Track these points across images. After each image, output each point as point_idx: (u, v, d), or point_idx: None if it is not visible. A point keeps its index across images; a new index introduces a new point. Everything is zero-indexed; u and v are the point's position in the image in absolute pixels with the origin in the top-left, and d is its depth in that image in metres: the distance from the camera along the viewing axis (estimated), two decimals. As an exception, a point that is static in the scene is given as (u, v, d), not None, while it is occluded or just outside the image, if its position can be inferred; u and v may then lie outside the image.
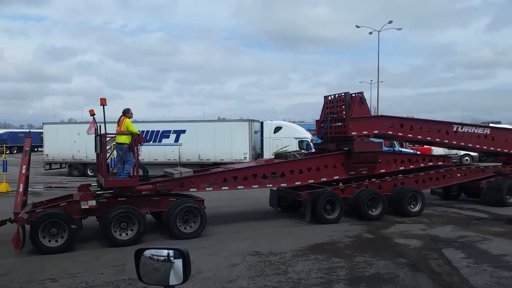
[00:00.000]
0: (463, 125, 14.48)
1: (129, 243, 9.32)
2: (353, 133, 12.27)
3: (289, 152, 13.44)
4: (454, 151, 23.50)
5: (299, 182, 12.07)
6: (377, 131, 12.78)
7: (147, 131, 25.20)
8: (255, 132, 25.08)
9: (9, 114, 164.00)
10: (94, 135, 11.07)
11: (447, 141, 13.92)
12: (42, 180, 23.58)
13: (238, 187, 11.41)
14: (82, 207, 9.40)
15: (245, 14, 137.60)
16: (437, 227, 10.93)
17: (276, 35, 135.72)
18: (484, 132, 14.42)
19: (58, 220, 9.04)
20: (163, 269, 2.17)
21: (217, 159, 23.79)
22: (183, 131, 24.86)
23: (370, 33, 40.44)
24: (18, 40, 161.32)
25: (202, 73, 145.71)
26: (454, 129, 13.95)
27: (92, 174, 25.80)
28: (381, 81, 43.09)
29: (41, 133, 34.08)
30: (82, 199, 9.48)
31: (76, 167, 26.24)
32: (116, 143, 10.35)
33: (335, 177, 12.42)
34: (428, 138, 13.71)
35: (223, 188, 11.22)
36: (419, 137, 13.49)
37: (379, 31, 39.75)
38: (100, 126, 10.81)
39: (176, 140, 24.60)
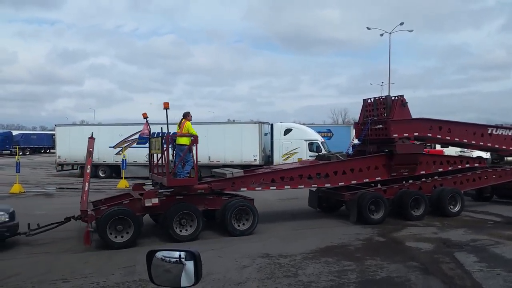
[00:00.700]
0: (497, 127, 14.78)
1: (188, 239, 9.81)
2: (394, 135, 12.49)
3: (332, 154, 13.81)
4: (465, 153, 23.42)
5: (343, 183, 12.39)
6: (417, 133, 13.02)
7: (158, 133, 25.37)
8: (265, 134, 25.07)
9: (22, 116, 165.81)
10: (147, 137, 12.12)
11: (482, 143, 14.13)
12: (54, 182, 23.86)
13: (285, 187, 11.88)
14: (146, 204, 9.87)
15: (255, 17, 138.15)
16: (449, 230, 10.81)
17: (287, 37, 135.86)
18: None
19: (124, 217, 9.50)
20: (175, 271, 2.18)
21: (227, 161, 23.81)
22: (193, 133, 24.95)
23: (381, 35, 40.24)
24: (32, 43, 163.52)
25: (212, 75, 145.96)
26: (489, 131, 14.21)
27: (103, 175, 26.04)
28: (393, 83, 42.81)
29: (53, 135, 34.55)
30: (146, 197, 9.98)
31: (88, 169, 26.46)
32: (177, 144, 10.80)
33: (377, 178, 12.72)
34: (464, 140, 13.93)
35: (271, 188, 11.70)
36: (456, 139, 13.81)
37: (390, 33, 39.53)
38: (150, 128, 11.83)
39: (186, 142, 24.70)
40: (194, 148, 10.72)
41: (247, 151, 24.04)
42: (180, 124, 11.17)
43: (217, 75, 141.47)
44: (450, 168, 13.73)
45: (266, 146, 25.06)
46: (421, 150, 13.48)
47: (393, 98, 13.00)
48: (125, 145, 25.05)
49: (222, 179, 11.35)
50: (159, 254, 2.22)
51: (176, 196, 10.38)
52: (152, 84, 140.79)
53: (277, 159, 24.46)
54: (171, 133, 11.13)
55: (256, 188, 11.47)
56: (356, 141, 15.42)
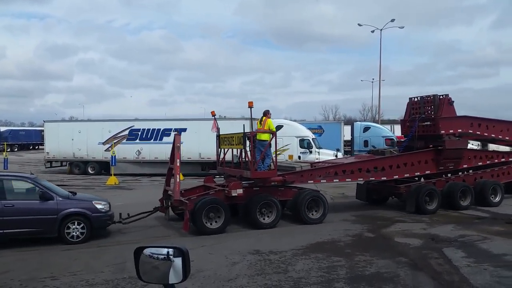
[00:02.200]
0: None
1: (269, 226, 10.78)
2: (442, 131, 13.36)
3: (386, 149, 15.12)
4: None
5: (397, 176, 13.26)
6: (460, 130, 13.83)
7: (148, 129, 25.22)
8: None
9: (10, 112, 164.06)
10: (216, 133, 13.52)
11: None
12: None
13: (347, 179, 12.86)
14: (233, 194, 10.83)
15: (248, 12, 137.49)
16: (438, 226, 10.92)
17: (280, 33, 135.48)
18: None
19: (216, 205, 10.46)
20: (163, 268, 2.16)
21: (218, 158, 23.78)
22: (184, 130, 24.74)
23: (373, 31, 40.35)
24: (20, 38, 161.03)
25: (204, 71, 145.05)
26: None
27: (92, 172, 25.85)
28: (383, 80, 42.98)
29: (42, 131, 34.17)
30: (232, 188, 10.91)
31: (77, 165, 26.24)
32: (258, 140, 11.54)
33: (426, 172, 13.58)
34: (499, 137, 14.91)
35: (334, 180, 12.64)
36: (492, 135, 14.72)
37: (381, 30, 39.68)
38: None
39: (177, 138, 24.60)
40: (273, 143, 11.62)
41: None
42: (261, 121, 11.99)
43: (209, 70, 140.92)
44: (488, 162, 14.74)
45: (257, 143, 25.07)
46: (466, 146, 14.42)
47: (439, 97, 13.78)
48: (115, 141, 24.85)
49: (294, 172, 12.18)
50: (147, 251, 2.21)
51: (253, 187, 11.33)
52: (142, 80, 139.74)
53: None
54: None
55: (321, 181, 12.37)
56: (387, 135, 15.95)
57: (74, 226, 9.37)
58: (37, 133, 56.02)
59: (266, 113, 12.04)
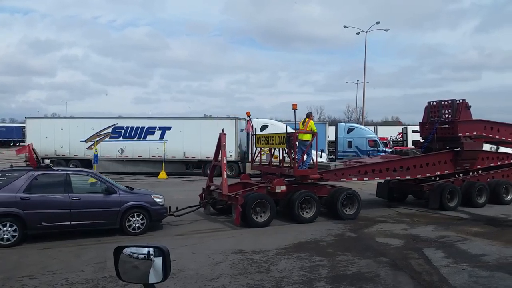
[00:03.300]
0: None
1: (309, 221, 11.42)
2: (459, 134, 14.29)
3: (409, 150, 16.01)
4: None
5: (419, 175, 14.09)
6: (475, 133, 14.79)
7: (132, 127, 24.99)
8: (241, 130, 25.04)
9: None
10: (250, 133, 14.28)
11: None
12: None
13: (375, 178, 13.79)
14: (277, 190, 11.61)
15: (235, 11, 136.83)
16: (419, 227, 11.08)
17: (266, 33, 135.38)
18: None
19: (263, 200, 11.16)
20: (143, 267, 2.15)
21: (203, 157, 23.70)
22: (169, 128, 24.69)
23: (358, 33, 40.68)
24: (2, 32, 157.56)
25: (190, 69, 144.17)
26: None
27: (75, 170, 25.48)
28: (368, 82, 43.42)
29: (24, 127, 33.53)
30: (277, 184, 11.69)
31: (59, 163, 25.79)
32: (300, 140, 12.35)
33: (445, 172, 14.45)
34: (509, 139, 15.92)
35: (364, 179, 13.44)
36: (502, 138, 15.76)
37: (366, 32, 40.01)
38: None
39: (161, 137, 24.42)
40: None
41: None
42: (304, 123, 12.83)
43: (194, 69, 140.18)
44: (499, 163, 15.71)
45: (242, 142, 25.05)
46: (481, 147, 15.26)
47: (457, 101, 14.66)
48: (97, 139, 24.57)
49: (329, 171, 12.78)
50: (127, 251, 2.19)
51: (292, 184, 12.08)
52: (127, 77, 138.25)
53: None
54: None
55: (353, 179, 13.11)
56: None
57: (134, 218, 9.96)
58: (18, 130, 55.00)
59: (309, 115, 13.07)
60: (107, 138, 24.97)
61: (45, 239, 9.26)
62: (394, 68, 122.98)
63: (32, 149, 9.96)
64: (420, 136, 16.45)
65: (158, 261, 2.13)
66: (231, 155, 24.01)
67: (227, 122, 24.71)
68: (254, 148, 14.39)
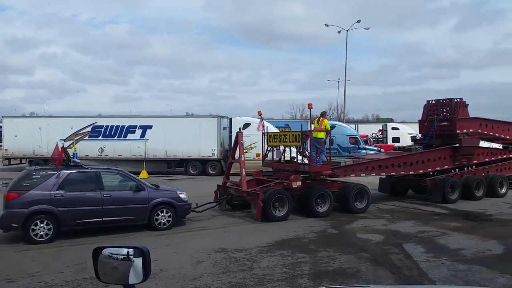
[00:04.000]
0: None
1: (324, 215, 11.83)
2: (458, 131, 14.95)
3: (411, 146, 16.56)
4: None
5: (422, 170, 14.73)
6: (472, 130, 15.45)
7: (112, 126, 24.66)
8: (224, 129, 24.98)
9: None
10: (262, 131, 14.63)
11: None
12: (1, 176, 22.65)
13: (381, 173, 14.38)
14: (293, 186, 12.02)
15: (217, 8, 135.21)
16: (398, 222, 11.26)
17: (249, 31, 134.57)
18: None
19: (281, 196, 11.61)
20: (122, 268, 2.13)
21: (185, 156, 23.58)
22: (150, 127, 24.44)
23: (339, 32, 40.98)
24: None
25: (171, 67, 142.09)
26: None
27: (54, 170, 25.04)
28: (348, 80, 43.85)
29: (0, 127, 32.75)
30: (293, 180, 12.12)
31: (37, 163, 25.23)
32: (314, 137, 12.92)
33: (445, 167, 15.11)
34: (501, 136, 16.62)
35: (371, 174, 13.89)
36: (496, 134, 16.46)
37: (347, 30, 40.37)
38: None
39: (142, 135, 24.15)
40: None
41: (205, 145, 23.86)
42: (318, 121, 13.45)
43: (176, 67, 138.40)
44: (492, 158, 16.47)
45: (224, 140, 24.98)
46: (478, 144, 15.97)
47: (455, 100, 15.31)
48: (77, 138, 24.16)
49: (340, 167, 13.36)
50: (106, 251, 2.16)
51: (306, 180, 12.44)
52: (107, 75, 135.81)
53: (236, 153, 24.42)
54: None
55: (361, 175, 13.60)
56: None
57: (162, 214, 10.30)
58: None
59: (324, 114, 13.74)
60: (87, 137, 24.58)
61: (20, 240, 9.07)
62: (374, 67, 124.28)
63: (63, 148, 10.41)
64: (420, 133, 17.22)
65: (138, 261, 2.11)
66: (213, 154, 23.97)
67: (209, 121, 24.64)
68: (266, 146, 14.72)
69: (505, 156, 17.02)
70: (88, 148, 24.02)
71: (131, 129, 24.44)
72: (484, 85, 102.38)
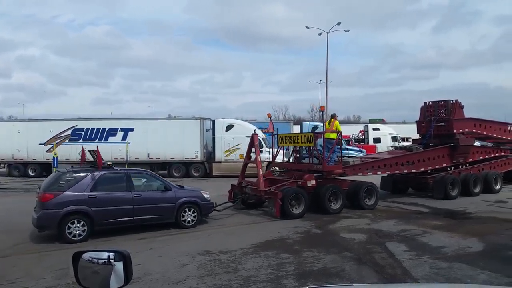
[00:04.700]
0: None
1: (336, 212, 12.39)
2: (455, 131, 15.69)
3: (412, 146, 17.12)
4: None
5: (422, 169, 15.47)
6: (467, 130, 16.23)
7: (92, 129, 24.34)
8: (207, 130, 24.91)
9: None
10: (272, 133, 15.37)
11: (506, 138, 17.88)
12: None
13: (386, 172, 15.12)
14: (308, 185, 12.52)
15: (199, 10, 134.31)
16: (381, 221, 11.37)
17: (231, 32, 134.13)
18: None
19: (298, 194, 12.08)
20: (103, 272, 2.10)
21: (167, 158, 23.43)
22: (131, 129, 24.22)
23: (320, 34, 41.26)
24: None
25: (153, 69, 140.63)
26: (509, 128, 18.10)
27: (33, 174, 24.59)
28: (330, 82, 44.18)
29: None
30: (308, 179, 12.67)
31: (16, 167, 24.86)
32: (326, 138, 13.56)
33: (443, 165, 15.92)
34: (494, 135, 17.50)
35: (377, 173, 14.73)
36: (489, 134, 17.37)
37: (328, 33, 40.64)
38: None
39: (124, 138, 23.91)
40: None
41: (188, 147, 23.76)
42: (329, 123, 14.17)
43: (157, 69, 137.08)
44: (487, 156, 17.38)
45: (208, 143, 24.91)
46: (473, 143, 16.97)
47: (452, 101, 16.13)
48: (57, 141, 23.80)
49: (349, 166, 13.94)
50: (86, 256, 2.13)
51: (318, 179, 12.92)
52: (87, 78, 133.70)
53: (219, 155, 24.38)
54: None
55: (368, 173, 14.24)
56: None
57: (188, 213, 10.78)
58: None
59: (334, 116, 14.34)
60: (67, 141, 24.25)
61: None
62: (356, 68, 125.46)
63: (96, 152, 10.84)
64: (418, 133, 17.99)
65: (119, 265, 2.09)
66: (197, 156, 23.88)
67: (192, 123, 24.54)
68: (276, 147, 15.27)
69: (497, 154, 17.87)
70: (68, 152, 23.67)
71: (112, 132, 24.19)
72: (463, 85, 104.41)
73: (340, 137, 13.79)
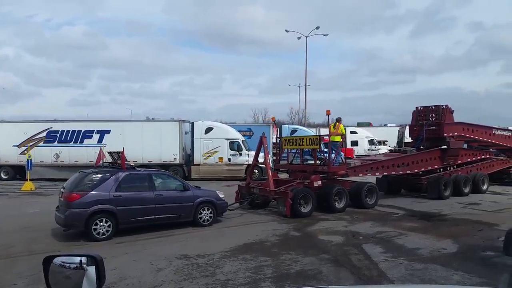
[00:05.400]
0: (497, 129, 19.56)
1: (341, 210, 13.05)
2: (445, 134, 16.58)
3: (407, 148, 17.68)
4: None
5: (416, 170, 16.26)
6: (456, 133, 17.09)
7: (68, 131, 23.85)
8: (186, 133, 24.72)
9: None
10: (276, 136, 16.03)
11: (490, 141, 18.52)
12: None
13: (384, 173, 15.65)
14: (315, 185, 13.18)
15: (178, 11, 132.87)
16: (358, 223, 11.50)
17: (210, 34, 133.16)
18: (509, 134, 19.50)
19: (306, 194, 12.61)
20: (75, 277, 2.04)
21: (145, 161, 23.12)
22: (108, 131, 23.82)
23: (299, 38, 41.64)
24: None
25: (130, 70, 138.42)
26: (493, 132, 18.83)
27: (6, 177, 23.92)
28: (309, 85, 44.54)
29: None
30: (314, 179, 13.34)
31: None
32: (332, 141, 14.38)
33: (435, 166, 16.68)
34: (480, 138, 18.19)
35: (376, 174, 15.43)
36: (476, 137, 18.03)
37: (307, 37, 41.10)
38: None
39: (100, 140, 23.46)
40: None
41: (166, 150, 23.52)
42: (334, 126, 15.00)
43: (135, 70, 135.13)
44: (474, 158, 18.19)
45: (186, 145, 24.71)
46: (462, 145, 17.81)
47: (442, 106, 16.92)
48: (31, 144, 23.22)
49: (351, 167, 14.63)
50: (57, 260, 2.07)
51: (323, 179, 13.55)
52: (62, 78, 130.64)
53: (198, 158, 24.22)
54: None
55: (368, 175, 14.98)
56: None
57: (205, 212, 11.25)
58: None
59: (339, 120, 15.09)
60: (41, 143, 23.70)
61: None
62: (334, 72, 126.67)
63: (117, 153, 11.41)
64: (410, 136, 18.93)
65: (92, 270, 2.03)
66: (175, 158, 23.66)
67: (170, 125, 24.32)
68: (280, 150, 16.06)
69: (483, 156, 18.71)
70: (43, 154, 23.18)
71: (88, 134, 23.75)
72: (438, 90, 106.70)
73: (344, 139, 14.58)
